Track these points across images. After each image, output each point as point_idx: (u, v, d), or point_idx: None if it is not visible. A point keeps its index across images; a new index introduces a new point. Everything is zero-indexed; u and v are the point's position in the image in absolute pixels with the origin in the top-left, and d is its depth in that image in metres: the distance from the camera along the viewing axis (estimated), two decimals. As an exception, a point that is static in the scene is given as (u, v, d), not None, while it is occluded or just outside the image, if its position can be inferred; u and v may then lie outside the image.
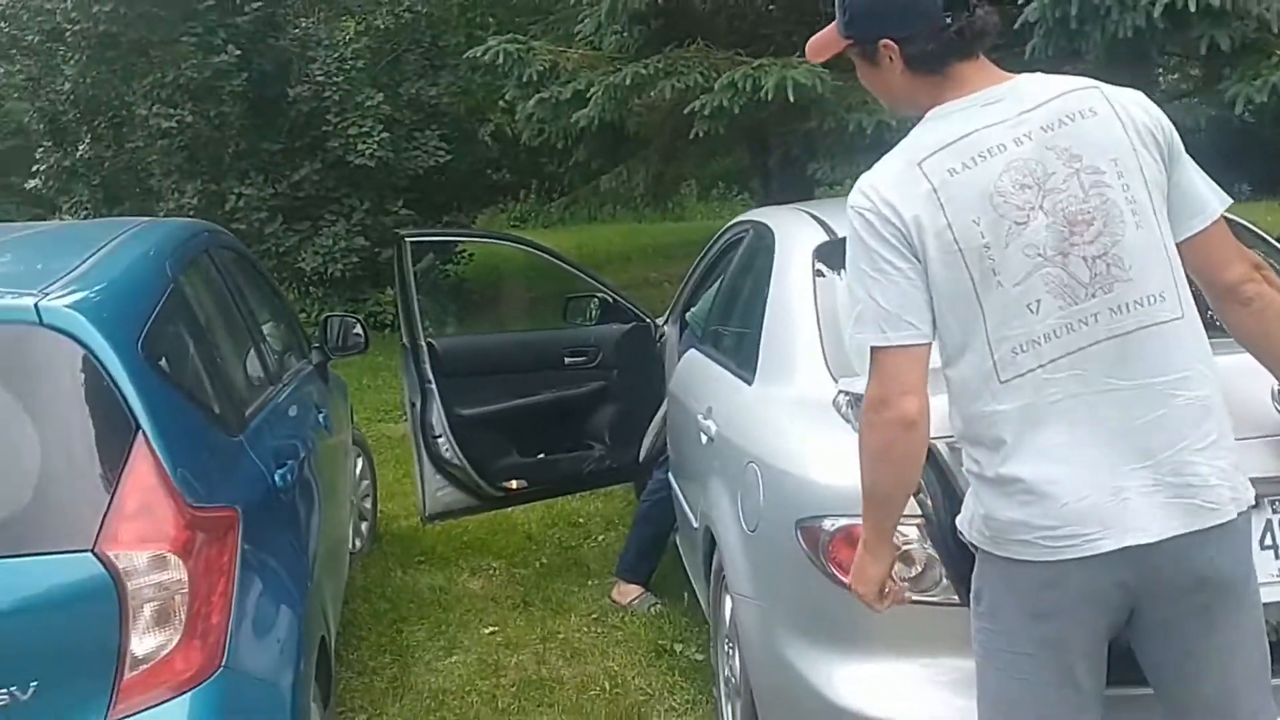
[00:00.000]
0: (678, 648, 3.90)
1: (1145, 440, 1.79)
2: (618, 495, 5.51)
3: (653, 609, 4.24)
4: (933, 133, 1.90)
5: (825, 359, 2.81)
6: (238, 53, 10.28)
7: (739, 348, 3.40)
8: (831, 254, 3.19)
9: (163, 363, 2.42)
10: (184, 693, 2.10)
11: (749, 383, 3.13)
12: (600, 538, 5.15)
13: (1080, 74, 1.99)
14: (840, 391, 2.56)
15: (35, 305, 2.17)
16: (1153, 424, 1.79)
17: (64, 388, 2.17)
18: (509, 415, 4.73)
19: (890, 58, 1.93)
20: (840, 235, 3.26)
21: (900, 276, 1.84)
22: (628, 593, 4.34)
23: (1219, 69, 5.77)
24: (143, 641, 2.07)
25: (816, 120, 6.73)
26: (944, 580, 2.23)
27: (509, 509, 5.14)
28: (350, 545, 4.88)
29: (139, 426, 2.16)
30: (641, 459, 4.58)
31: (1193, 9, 5.08)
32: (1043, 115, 1.86)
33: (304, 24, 11.44)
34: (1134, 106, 1.89)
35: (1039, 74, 1.95)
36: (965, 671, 2.16)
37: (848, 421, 2.48)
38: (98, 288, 2.38)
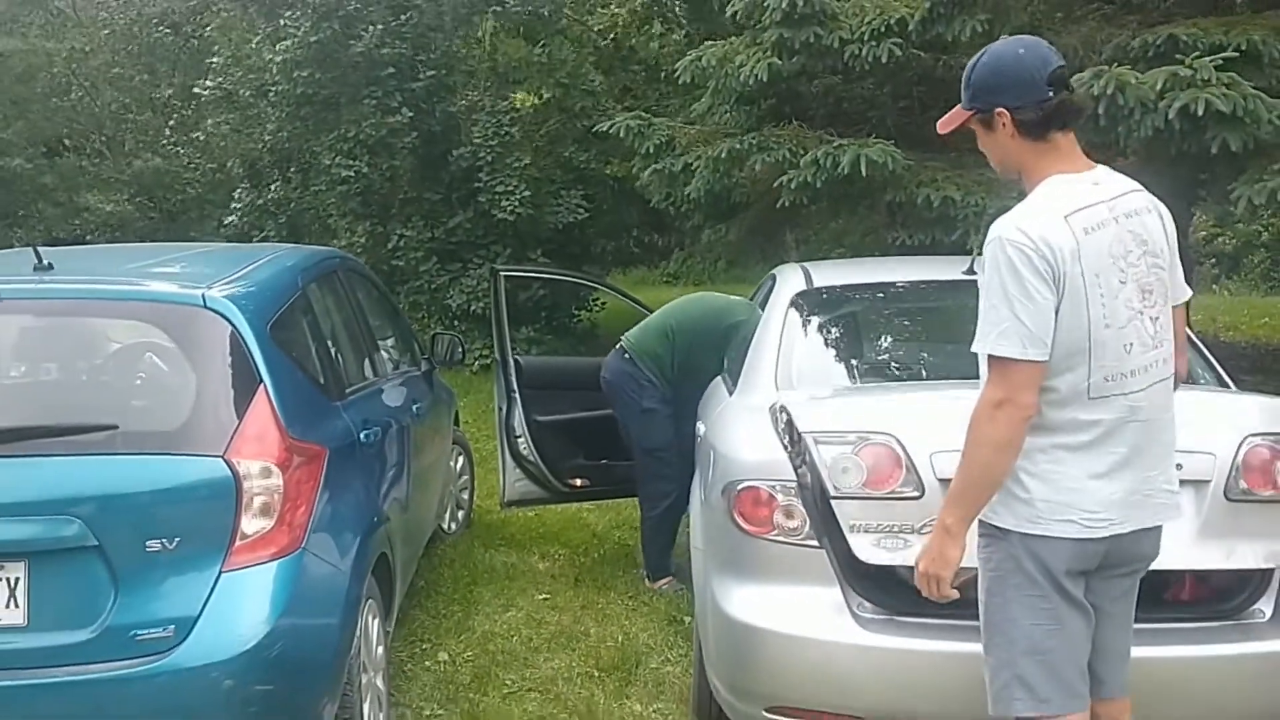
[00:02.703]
0: (686, 619, 4.70)
1: (1166, 456, 2.42)
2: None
3: (677, 592, 5.07)
4: (1065, 196, 2.34)
5: (776, 378, 3.68)
6: (411, 114, 11.56)
7: (736, 368, 4.23)
8: (803, 298, 4.07)
9: (285, 342, 3.42)
10: (274, 560, 3.03)
11: (730, 393, 3.99)
12: (655, 540, 5.99)
13: (1123, 169, 2.51)
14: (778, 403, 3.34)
15: (202, 294, 3.20)
16: (1169, 444, 2.45)
17: (216, 350, 3.16)
18: (578, 424, 5.66)
19: (1004, 124, 2.39)
20: (815, 286, 4.15)
21: (1046, 304, 2.25)
22: (659, 581, 5.18)
23: (1236, 171, 5.97)
24: (250, 523, 3.01)
25: (893, 194, 7.30)
26: (809, 528, 3.04)
27: (575, 505, 6.08)
28: (447, 526, 5.89)
29: (261, 380, 3.15)
30: None
31: (1200, 113, 5.46)
32: (1125, 204, 2.38)
33: (471, 95, 12.66)
34: (1166, 213, 2.47)
35: (1106, 168, 2.45)
36: (817, 594, 2.99)
37: (773, 422, 3.32)
38: (246, 287, 3.40)
